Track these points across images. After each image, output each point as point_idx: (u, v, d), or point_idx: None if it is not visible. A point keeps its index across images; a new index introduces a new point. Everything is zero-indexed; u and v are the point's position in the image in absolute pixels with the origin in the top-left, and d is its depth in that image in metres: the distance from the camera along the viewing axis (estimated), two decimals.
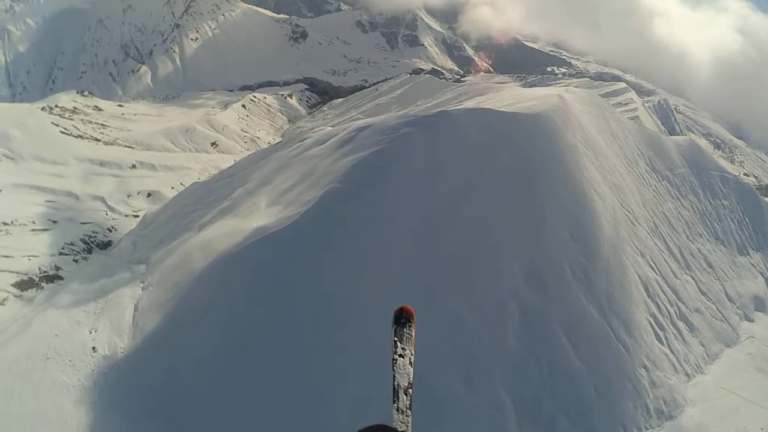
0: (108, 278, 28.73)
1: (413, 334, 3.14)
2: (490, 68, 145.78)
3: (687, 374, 24.61)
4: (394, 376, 2.94)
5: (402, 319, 3.17)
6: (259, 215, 22.70)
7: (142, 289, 25.27)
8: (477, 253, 20.17)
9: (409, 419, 2.81)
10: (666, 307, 26.29)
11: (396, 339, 3.09)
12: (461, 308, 18.68)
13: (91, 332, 23.40)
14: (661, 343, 24.37)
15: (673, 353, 24.62)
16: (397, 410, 2.83)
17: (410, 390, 2.92)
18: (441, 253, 19.36)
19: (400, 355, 3.02)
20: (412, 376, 2.97)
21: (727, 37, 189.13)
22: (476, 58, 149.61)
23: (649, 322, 24.48)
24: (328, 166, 23.14)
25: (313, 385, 17.17)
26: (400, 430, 2.74)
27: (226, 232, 22.67)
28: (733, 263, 36.06)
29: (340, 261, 18.85)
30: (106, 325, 23.62)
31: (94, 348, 22.39)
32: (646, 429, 20.84)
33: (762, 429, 23.23)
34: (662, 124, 78.77)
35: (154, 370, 19.86)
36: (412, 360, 3.04)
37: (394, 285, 17.77)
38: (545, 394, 19.14)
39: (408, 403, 2.86)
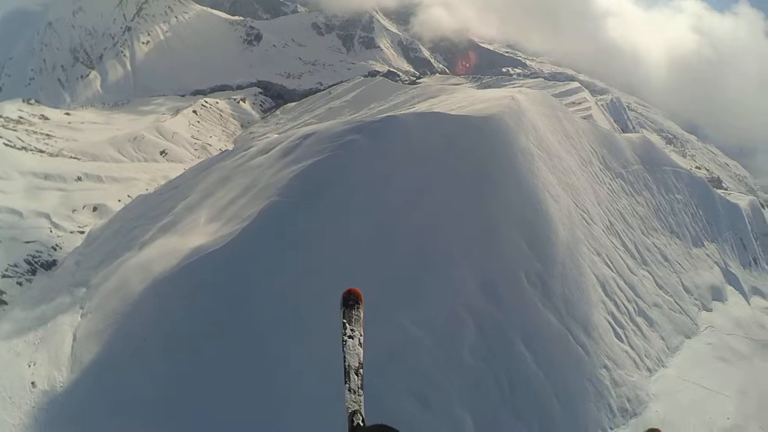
0: (49, 303, 27.53)
1: (361, 315, 3.17)
2: (446, 69, 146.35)
3: (649, 369, 24.56)
4: (345, 357, 2.97)
5: (350, 300, 3.18)
6: (198, 232, 21.41)
7: (81, 316, 24.00)
8: (427, 265, 19.34)
9: (361, 398, 2.86)
10: (624, 305, 26.21)
11: (345, 321, 3.09)
12: (411, 324, 17.84)
13: (29, 366, 22.55)
14: (621, 341, 24.19)
15: (633, 350, 24.51)
16: (349, 390, 2.86)
17: (361, 370, 2.96)
18: (388, 267, 18.41)
19: (350, 336, 3.04)
20: (362, 356, 3.01)
21: (683, 37, 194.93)
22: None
23: (608, 321, 24.28)
24: (271, 177, 21.98)
25: (260, 405, 16.28)
26: (353, 409, 2.78)
27: (165, 251, 21.33)
28: (689, 255, 36.63)
29: (279, 280, 17.78)
30: (45, 356, 22.72)
31: (33, 383, 21.58)
32: (611, 429, 20.52)
33: (728, 418, 23.41)
34: (615, 121, 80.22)
35: (93, 405, 18.79)
36: (362, 340, 3.07)
37: (335, 304, 16.76)
38: (505, 407, 18.50)
39: (360, 382, 2.91)
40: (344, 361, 2.97)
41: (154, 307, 19.17)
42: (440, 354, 17.87)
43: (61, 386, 20.62)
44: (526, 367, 19.38)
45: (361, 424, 2.77)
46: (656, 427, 3.55)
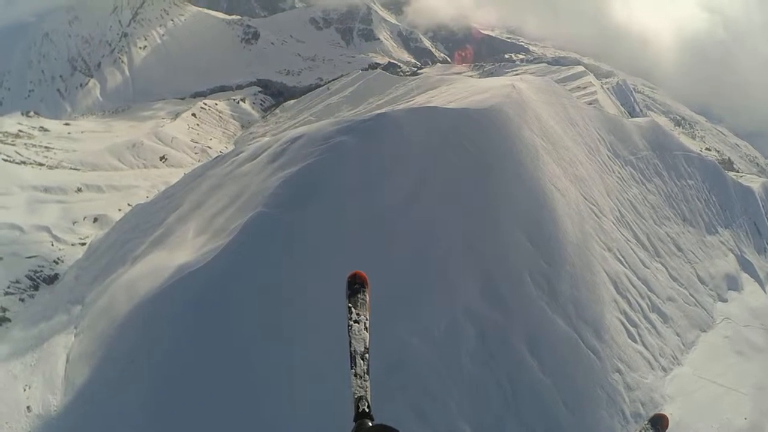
0: (47, 322, 27.08)
1: (367, 299, 3.16)
2: (448, 58, 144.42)
3: (663, 369, 23.35)
4: (351, 342, 2.97)
5: (355, 285, 3.17)
6: (185, 247, 20.52)
7: (74, 336, 23.46)
8: (425, 271, 18.31)
9: (368, 384, 2.85)
10: (637, 301, 24.99)
11: (350, 305, 3.09)
12: (410, 336, 16.85)
13: (25, 389, 22.19)
14: (635, 341, 23.02)
15: (647, 349, 23.32)
16: (355, 375, 2.86)
17: (367, 355, 2.96)
18: (384, 277, 17.17)
19: (355, 321, 3.03)
20: (368, 341, 2.99)
21: (694, 16, 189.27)
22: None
23: (620, 321, 23.08)
24: (259, 184, 20.95)
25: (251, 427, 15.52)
26: (359, 394, 2.78)
27: (152, 269, 20.53)
28: (703, 243, 35.26)
29: (267, 300, 16.82)
30: (40, 379, 22.30)
31: (28, 407, 21.25)
32: None
33: (745, 419, 22.23)
34: (622, 105, 78.23)
35: (86, 431, 18.09)
36: (368, 325, 3.04)
37: (327, 321, 15.87)
38: (509, 416, 17.44)
39: (365, 367, 2.90)
40: (350, 346, 2.94)
41: (139, 328, 18.41)
42: (440, 364, 16.88)
43: (55, 410, 20.10)
44: (531, 373, 18.28)
45: (367, 410, 2.71)
46: (662, 413, 3.54)
